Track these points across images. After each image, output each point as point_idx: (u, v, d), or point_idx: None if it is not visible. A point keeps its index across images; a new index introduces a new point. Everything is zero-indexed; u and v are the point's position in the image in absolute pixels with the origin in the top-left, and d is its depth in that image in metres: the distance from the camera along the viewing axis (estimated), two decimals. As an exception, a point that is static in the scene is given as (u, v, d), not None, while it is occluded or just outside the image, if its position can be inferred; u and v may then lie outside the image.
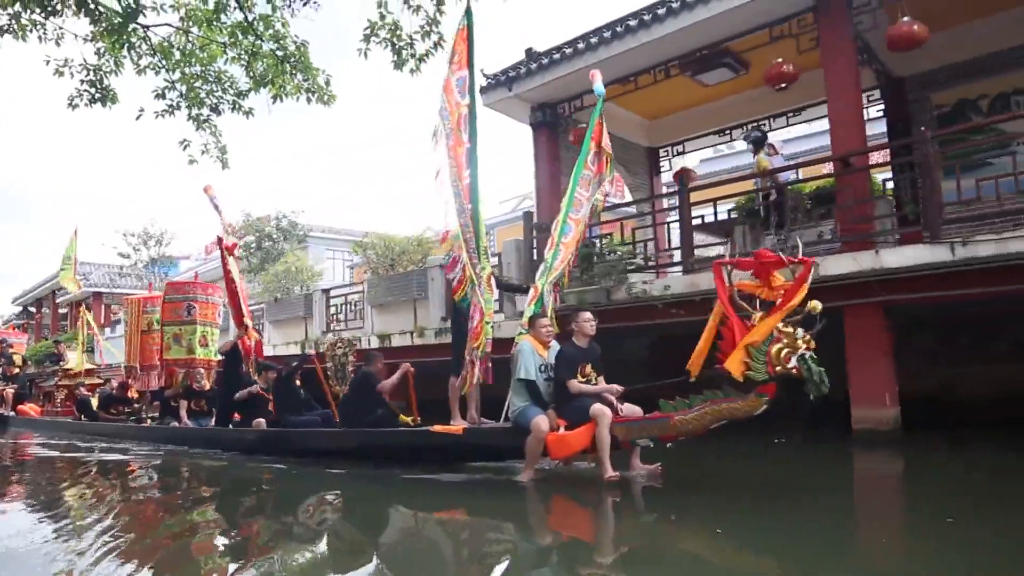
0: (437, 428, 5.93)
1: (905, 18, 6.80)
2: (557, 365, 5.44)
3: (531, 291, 6.47)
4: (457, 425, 5.95)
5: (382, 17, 7.84)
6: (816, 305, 4.18)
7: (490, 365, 6.01)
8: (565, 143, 9.89)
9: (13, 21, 7.24)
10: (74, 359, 16.14)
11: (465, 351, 5.95)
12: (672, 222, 9.97)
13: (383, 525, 4.67)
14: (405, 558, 3.73)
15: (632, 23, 8.13)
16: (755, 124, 10.63)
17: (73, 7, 7.34)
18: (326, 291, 13.25)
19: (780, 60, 7.66)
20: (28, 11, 7.19)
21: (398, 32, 7.87)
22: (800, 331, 4.27)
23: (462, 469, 5.97)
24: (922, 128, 6.34)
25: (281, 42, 8.30)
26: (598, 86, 7.03)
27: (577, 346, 5.48)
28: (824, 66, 7.33)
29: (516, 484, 5.24)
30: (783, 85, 7.75)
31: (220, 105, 8.71)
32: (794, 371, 4.24)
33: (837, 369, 6.00)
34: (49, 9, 7.14)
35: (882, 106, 9.61)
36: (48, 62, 7.81)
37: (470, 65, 6.54)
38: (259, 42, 8.24)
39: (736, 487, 5.23)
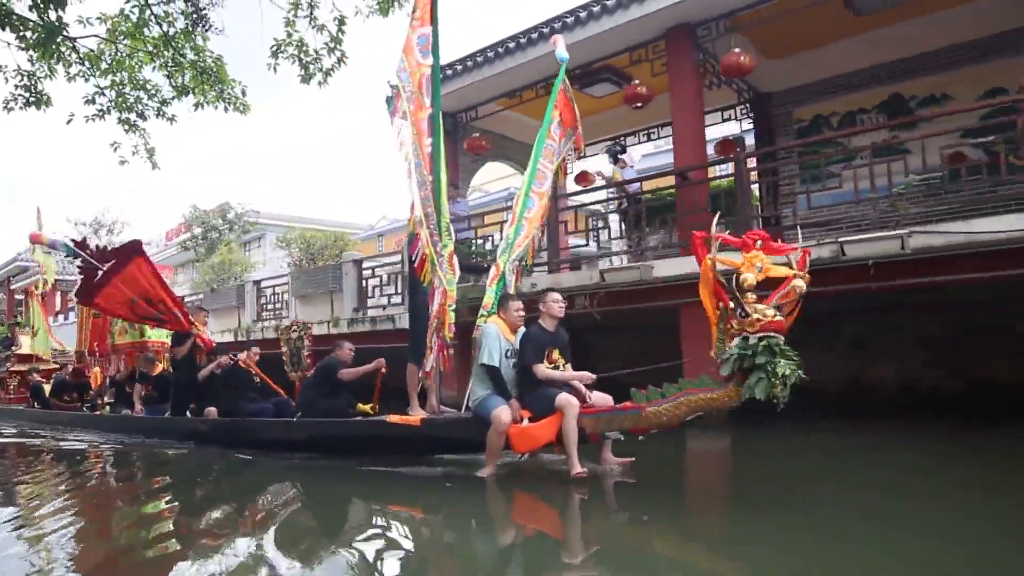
0: (393, 418, 5.59)
1: (736, 49, 7.70)
2: (522, 348, 5.04)
3: (492, 271, 6.10)
4: (415, 415, 5.60)
5: (289, 35, 8.69)
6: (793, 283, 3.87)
7: (451, 351, 5.71)
8: (461, 150, 10.70)
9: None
10: (27, 344, 15.74)
11: (427, 337, 5.57)
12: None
13: (330, 520, 4.45)
14: (346, 558, 3.46)
15: (511, 45, 8.98)
16: (647, 131, 11.57)
17: (-3, 23, 8.05)
18: (256, 282, 14.05)
19: (637, 82, 8.55)
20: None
21: (304, 48, 8.71)
22: (741, 310, 3.90)
23: (423, 461, 5.66)
24: (737, 150, 7.23)
25: (200, 55, 9.10)
26: (560, 52, 6.79)
27: (544, 329, 5.09)
28: (671, 89, 8.24)
29: (477, 478, 4.90)
30: (639, 104, 8.63)
31: (145, 112, 9.46)
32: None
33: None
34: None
35: (752, 118, 10.56)
36: (-19, 65, 8.47)
37: (434, 21, 5.96)
38: (179, 55, 9.01)
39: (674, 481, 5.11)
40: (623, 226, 8.42)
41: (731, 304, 3.97)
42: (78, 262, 8.99)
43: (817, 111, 9.95)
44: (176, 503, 5.20)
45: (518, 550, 3.67)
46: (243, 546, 3.73)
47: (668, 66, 8.23)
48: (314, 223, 25.60)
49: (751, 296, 3.93)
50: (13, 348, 16.61)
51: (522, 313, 5.28)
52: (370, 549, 3.58)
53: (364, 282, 11.33)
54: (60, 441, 8.96)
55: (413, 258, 5.77)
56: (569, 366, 5.11)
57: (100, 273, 8.61)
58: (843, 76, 9.65)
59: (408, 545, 3.80)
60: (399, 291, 10.49)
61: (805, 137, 9.73)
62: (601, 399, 4.81)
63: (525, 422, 4.80)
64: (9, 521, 4.46)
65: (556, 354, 5.02)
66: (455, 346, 5.77)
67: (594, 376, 4.93)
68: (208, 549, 3.72)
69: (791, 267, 4.03)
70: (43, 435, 9.74)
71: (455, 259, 5.93)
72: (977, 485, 4.56)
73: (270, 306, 13.62)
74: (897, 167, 6.73)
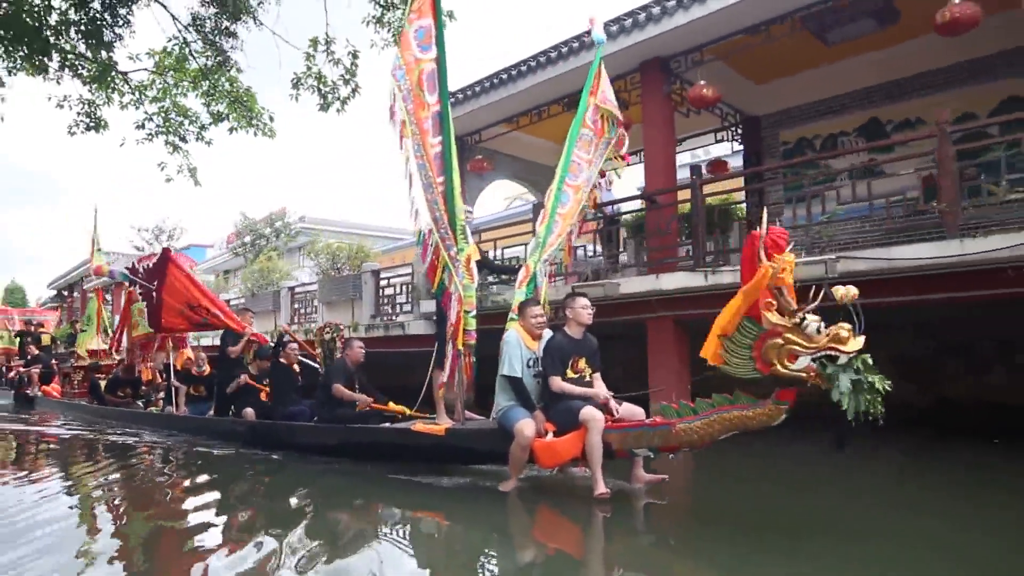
0: (418, 427, 5.56)
1: (702, 81, 8.30)
2: (544, 357, 4.85)
3: (522, 271, 5.84)
4: (441, 424, 5.52)
5: (308, 68, 9.81)
6: (840, 291, 3.42)
7: (473, 359, 5.55)
8: (464, 169, 11.52)
9: (24, 62, 8.90)
10: (80, 341, 16.17)
11: (447, 344, 5.48)
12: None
13: (351, 527, 4.49)
14: (363, 566, 3.51)
15: (504, 76, 9.74)
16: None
17: (56, 64, 9.41)
18: (291, 289, 15.23)
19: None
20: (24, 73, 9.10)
21: (323, 79, 9.81)
22: (814, 325, 3.48)
23: (449, 470, 5.52)
24: (693, 176, 7.81)
25: (234, 85, 10.38)
26: (597, 34, 6.60)
27: (569, 336, 4.87)
28: (643, 118, 8.86)
29: (501, 492, 4.77)
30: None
31: (187, 136, 10.76)
32: (808, 375, 3.54)
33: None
34: (40, 67, 9.04)
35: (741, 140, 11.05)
36: (50, 98, 9.88)
37: (436, 11, 5.55)
38: (214, 86, 10.30)
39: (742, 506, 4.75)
40: (597, 244, 9.06)
41: (783, 318, 3.59)
42: (139, 290, 10.03)
43: (802, 134, 10.39)
44: (206, 501, 5.41)
45: (535, 568, 3.61)
46: (264, 548, 3.80)
47: (641, 97, 8.85)
48: (360, 229, 26.77)
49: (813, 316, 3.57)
50: (76, 344, 18.01)
51: (542, 319, 5.10)
52: (387, 558, 3.62)
53: (381, 291, 12.30)
54: (108, 436, 9.32)
55: (424, 264, 5.58)
56: (598, 375, 4.94)
57: (154, 294, 9.40)
58: (825, 101, 10.08)
59: (424, 556, 3.81)
60: (408, 300, 11.42)
61: (789, 159, 10.19)
62: (630, 413, 4.64)
63: (550, 436, 4.64)
64: (57, 505, 4.98)
65: (583, 363, 4.84)
66: (472, 351, 5.61)
67: (610, 394, 4.78)
68: (227, 550, 3.85)
69: None
70: (94, 429, 10.30)
71: (472, 264, 5.61)
72: (955, 496, 4.83)
73: (302, 310, 14.77)
74: (831, 195, 7.22)
